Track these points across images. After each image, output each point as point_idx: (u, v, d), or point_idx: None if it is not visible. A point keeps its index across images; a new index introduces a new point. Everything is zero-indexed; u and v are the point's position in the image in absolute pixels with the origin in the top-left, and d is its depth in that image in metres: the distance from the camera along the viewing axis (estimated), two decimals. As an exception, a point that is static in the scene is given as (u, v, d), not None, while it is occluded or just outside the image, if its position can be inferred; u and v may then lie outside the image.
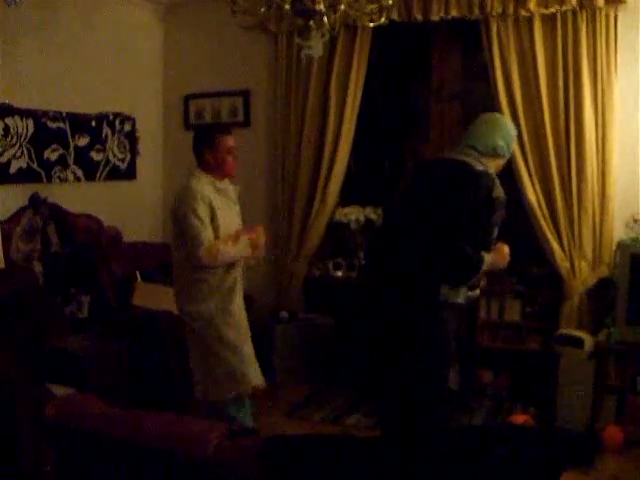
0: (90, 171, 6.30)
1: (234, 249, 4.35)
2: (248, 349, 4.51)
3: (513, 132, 4.06)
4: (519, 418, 5.26)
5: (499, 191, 3.76)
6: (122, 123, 6.62)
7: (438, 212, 3.69)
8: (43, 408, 2.70)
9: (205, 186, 4.37)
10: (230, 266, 4.42)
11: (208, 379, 4.44)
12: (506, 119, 4.46)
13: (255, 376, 4.49)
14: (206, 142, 4.45)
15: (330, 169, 6.36)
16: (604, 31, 5.47)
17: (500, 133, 3.94)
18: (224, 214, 4.41)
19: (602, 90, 5.50)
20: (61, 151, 5.99)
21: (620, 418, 5.04)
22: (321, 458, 2.19)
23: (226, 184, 4.54)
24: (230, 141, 4.47)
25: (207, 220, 4.28)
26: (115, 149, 6.56)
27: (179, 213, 4.33)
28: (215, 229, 4.31)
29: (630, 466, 4.54)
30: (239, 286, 4.53)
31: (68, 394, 3.26)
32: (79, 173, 6.18)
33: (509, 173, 5.79)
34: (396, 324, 3.78)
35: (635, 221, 5.45)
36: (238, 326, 4.49)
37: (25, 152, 5.68)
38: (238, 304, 4.51)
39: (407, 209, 3.93)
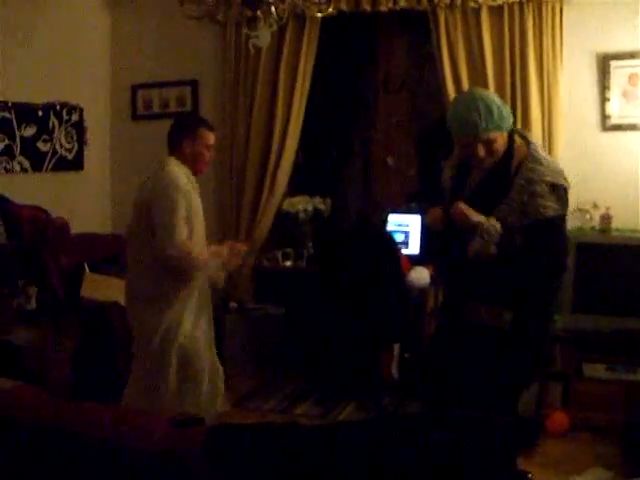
0: (37, 162, 6.24)
1: (212, 260, 4.01)
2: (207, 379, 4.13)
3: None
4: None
5: None
6: (69, 113, 6.54)
7: None
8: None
9: (182, 177, 3.92)
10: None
11: (144, 400, 3.99)
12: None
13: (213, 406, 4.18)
14: (188, 131, 4.05)
15: (278, 159, 6.36)
16: (550, 23, 5.55)
17: None
18: (199, 215, 4.00)
19: (548, 81, 5.58)
20: (7, 141, 5.92)
21: (566, 404, 5.12)
22: (266, 446, 2.20)
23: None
24: (212, 138, 4.11)
25: (185, 216, 3.83)
26: (62, 139, 6.49)
27: (155, 205, 3.84)
28: (190, 230, 3.89)
29: (575, 450, 4.62)
30: (206, 301, 4.17)
31: (12, 386, 3.22)
32: (26, 164, 6.12)
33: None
34: None
35: (580, 210, 5.51)
36: (203, 348, 4.09)
37: (-30, 142, 5.62)
38: (205, 321, 4.14)
39: None
